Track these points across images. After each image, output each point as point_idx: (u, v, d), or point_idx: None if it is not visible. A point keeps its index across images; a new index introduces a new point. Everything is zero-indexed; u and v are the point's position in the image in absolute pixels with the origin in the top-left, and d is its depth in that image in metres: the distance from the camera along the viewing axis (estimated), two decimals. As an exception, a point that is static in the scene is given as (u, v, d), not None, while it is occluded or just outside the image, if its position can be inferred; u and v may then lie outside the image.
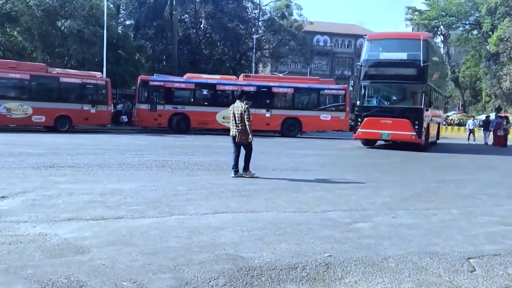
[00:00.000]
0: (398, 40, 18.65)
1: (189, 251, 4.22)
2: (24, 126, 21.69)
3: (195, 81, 24.92)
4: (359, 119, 17.87)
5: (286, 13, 45.08)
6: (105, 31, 26.26)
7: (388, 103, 18.14)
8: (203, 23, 43.69)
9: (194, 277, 3.57)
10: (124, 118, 29.06)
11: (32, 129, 21.71)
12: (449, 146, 22.94)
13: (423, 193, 8.10)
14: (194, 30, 43.64)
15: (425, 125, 17.61)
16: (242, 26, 42.54)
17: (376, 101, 18.12)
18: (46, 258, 3.87)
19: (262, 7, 46.25)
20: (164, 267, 3.77)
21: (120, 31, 33.98)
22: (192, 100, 25.02)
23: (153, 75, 25.75)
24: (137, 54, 34.14)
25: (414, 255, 4.37)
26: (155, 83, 24.65)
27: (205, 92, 25.48)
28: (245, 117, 8.70)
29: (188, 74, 26.01)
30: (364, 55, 18.13)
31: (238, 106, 8.78)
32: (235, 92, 9.59)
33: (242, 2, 43.29)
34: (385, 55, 17.92)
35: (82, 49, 27.00)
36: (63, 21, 25.95)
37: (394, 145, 18.86)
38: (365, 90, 18.16)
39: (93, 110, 22.59)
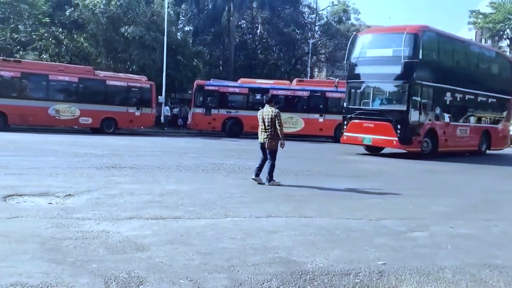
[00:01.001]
0: (385, 35, 17.06)
1: (243, 253, 4.32)
2: (71, 127, 22.57)
3: (248, 86, 25.22)
4: (345, 122, 16.82)
5: (344, 18, 44.57)
6: (165, 37, 27.15)
7: (372, 104, 16.31)
8: (259, 29, 44.09)
9: (248, 278, 3.66)
10: (180, 122, 29.90)
11: (77, 131, 22.56)
12: (505, 156, 21.65)
13: (482, 203, 7.77)
14: (251, 36, 44.16)
15: (418, 130, 15.68)
16: (298, 31, 42.50)
17: (361, 103, 16.69)
18: (109, 254, 4.10)
19: (319, 12, 46.01)
20: (219, 267, 3.89)
21: (179, 37, 34.96)
22: (245, 104, 25.29)
23: (209, 80, 26.33)
24: (195, 60, 34.99)
25: (472, 266, 4.23)
26: (210, 87, 25.23)
27: (258, 96, 25.64)
28: (277, 122, 8.34)
29: (242, 79, 26.37)
30: (352, 53, 17.00)
31: (268, 111, 8.42)
32: (264, 97, 9.17)
33: (299, 7, 43.27)
34: (371, 52, 16.52)
35: (143, 55, 28.02)
36: (126, 27, 27.06)
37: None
38: (350, 91, 16.96)
39: (137, 113, 23.06)
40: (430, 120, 16.26)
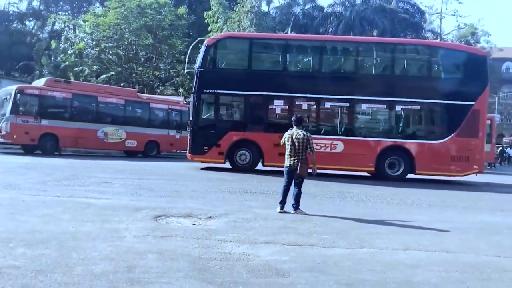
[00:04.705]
0: None
1: (385, 287, 4.18)
2: (117, 151, 22.11)
3: None
4: None
5: (472, 41, 41.78)
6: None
7: None
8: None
9: (394, 313, 3.52)
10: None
11: (113, 155, 21.83)
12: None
13: None
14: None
15: (214, 140, 14.71)
16: (421, 58, 40.87)
17: None
18: (252, 277, 4.25)
19: (443, 36, 43.67)
20: (362, 298, 3.80)
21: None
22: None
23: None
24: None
25: None
26: None
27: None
28: (310, 146, 7.67)
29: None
30: None
31: (299, 133, 7.68)
32: (293, 118, 8.41)
33: (422, 32, 41.61)
34: None
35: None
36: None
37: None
38: None
39: (177, 136, 22.56)
40: (240, 129, 14.94)
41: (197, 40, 18.27)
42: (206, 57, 15.02)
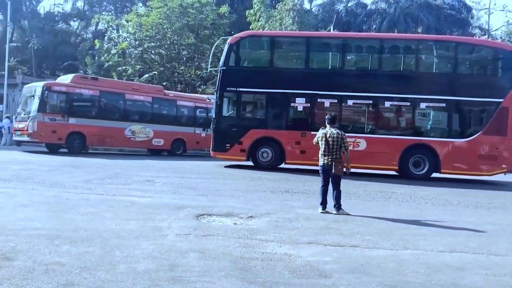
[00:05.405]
0: None
1: (430, 290, 4.09)
2: (143, 150, 21.65)
3: None
4: None
5: (522, 37, 39.90)
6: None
7: None
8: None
9: (440, 318, 3.43)
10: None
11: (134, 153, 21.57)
12: None
13: None
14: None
15: (236, 138, 14.67)
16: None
17: None
18: (294, 278, 4.25)
19: (492, 33, 41.81)
20: (406, 302, 3.73)
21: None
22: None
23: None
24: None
25: None
26: None
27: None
28: (345, 145, 7.60)
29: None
30: None
31: (333, 132, 7.63)
32: (327, 116, 8.18)
33: (469, 29, 40.09)
34: None
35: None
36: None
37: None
38: None
39: (203, 134, 21.85)
40: (262, 127, 14.77)
41: (220, 38, 18.44)
42: (228, 55, 15.10)
